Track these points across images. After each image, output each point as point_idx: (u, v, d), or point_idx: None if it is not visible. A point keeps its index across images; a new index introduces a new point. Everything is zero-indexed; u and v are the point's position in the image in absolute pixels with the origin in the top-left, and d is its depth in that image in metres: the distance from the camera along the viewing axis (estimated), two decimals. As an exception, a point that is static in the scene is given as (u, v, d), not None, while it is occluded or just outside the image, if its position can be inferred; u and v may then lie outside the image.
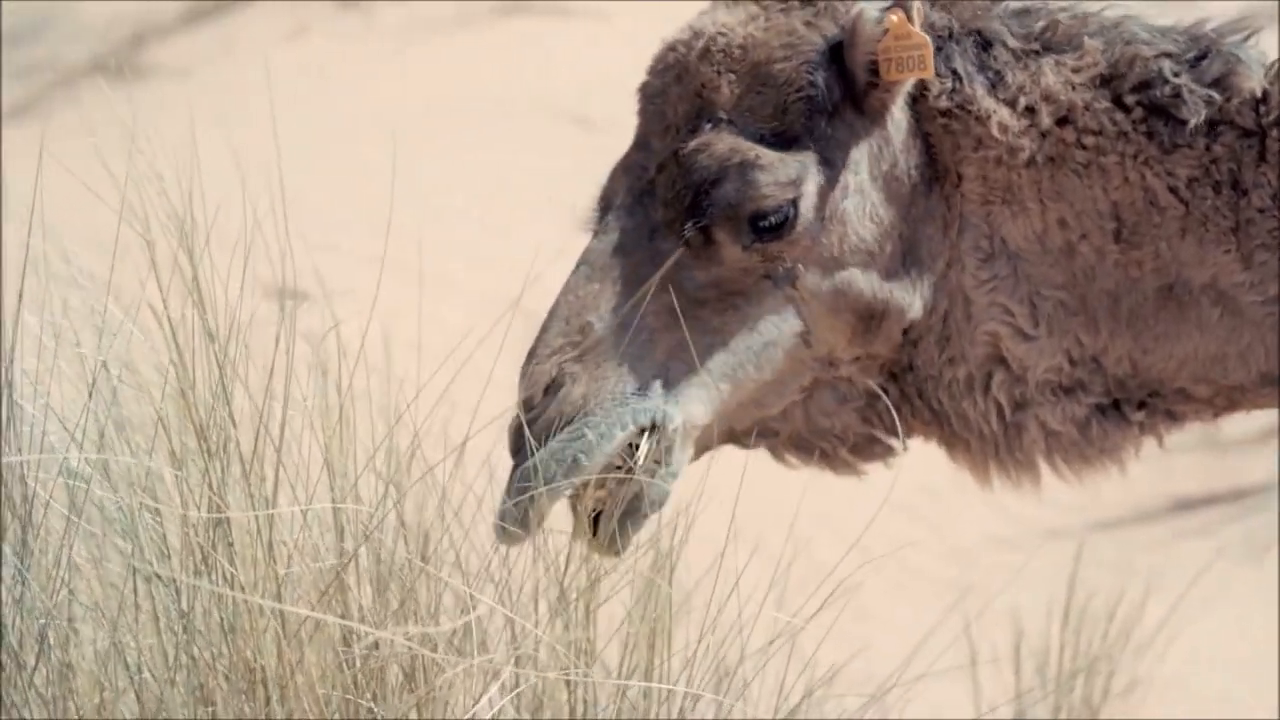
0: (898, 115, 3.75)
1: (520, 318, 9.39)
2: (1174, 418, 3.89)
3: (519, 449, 3.60)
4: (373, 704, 3.48)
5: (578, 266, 3.68)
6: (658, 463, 3.62)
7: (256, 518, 3.45)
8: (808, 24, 3.73)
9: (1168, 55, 3.80)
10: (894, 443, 3.84)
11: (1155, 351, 3.82)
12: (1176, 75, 3.78)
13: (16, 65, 14.23)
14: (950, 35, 3.77)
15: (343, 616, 3.53)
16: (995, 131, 3.75)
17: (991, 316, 3.79)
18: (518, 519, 3.58)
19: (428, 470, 3.65)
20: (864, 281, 3.73)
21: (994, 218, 3.79)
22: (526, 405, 3.62)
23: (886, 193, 3.75)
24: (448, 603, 3.73)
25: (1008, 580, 7.00)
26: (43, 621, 3.61)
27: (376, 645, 3.47)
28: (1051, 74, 3.79)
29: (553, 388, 3.61)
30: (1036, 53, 3.80)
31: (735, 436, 3.83)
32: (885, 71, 3.67)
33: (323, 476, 3.80)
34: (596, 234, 3.73)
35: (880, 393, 3.81)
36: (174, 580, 3.47)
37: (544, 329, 3.66)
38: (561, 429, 3.57)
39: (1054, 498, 8.25)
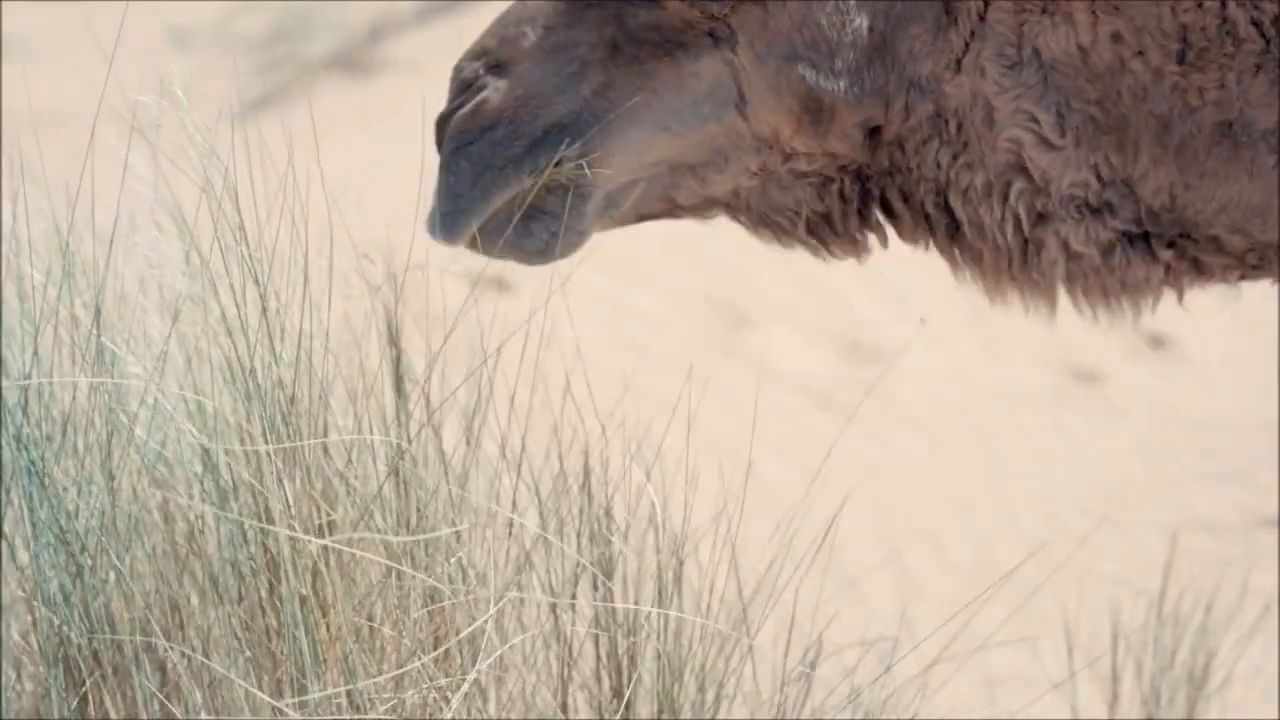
0: None
1: (711, 309, 9.50)
2: (1199, 270, 3.67)
3: (440, 143, 3.55)
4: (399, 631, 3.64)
5: None
6: (572, 196, 3.50)
7: (294, 452, 3.63)
8: None
9: None
10: (853, 228, 3.67)
11: (1198, 189, 3.59)
12: None
13: (261, 62, 14.72)
14: None
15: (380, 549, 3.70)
16: None
17: (1015, 123, 3.58)
18: (447, 231, 3.54)
19: (448, 396, 3.78)
20: (809, 72, 3.53)
21: (1028, 26, 3.56)
22: (449, 98, 3.54)
23: None
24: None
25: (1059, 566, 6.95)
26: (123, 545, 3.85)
27: (397, 575, 3.63)
28: None
29: (472, 91, 3.51)
30: None
31: (678, 209, 3.68)
32: None
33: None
34: None
35: (836, 179, 3.63)
36: (208, 512, 3.67)
37: (486, 30, 3.54)
38: (475, 139, 3.47)
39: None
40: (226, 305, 3.69)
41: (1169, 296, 3.68)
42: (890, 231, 3.72)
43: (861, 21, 3.54)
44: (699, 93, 3.54)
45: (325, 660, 3.70)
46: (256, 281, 3.64)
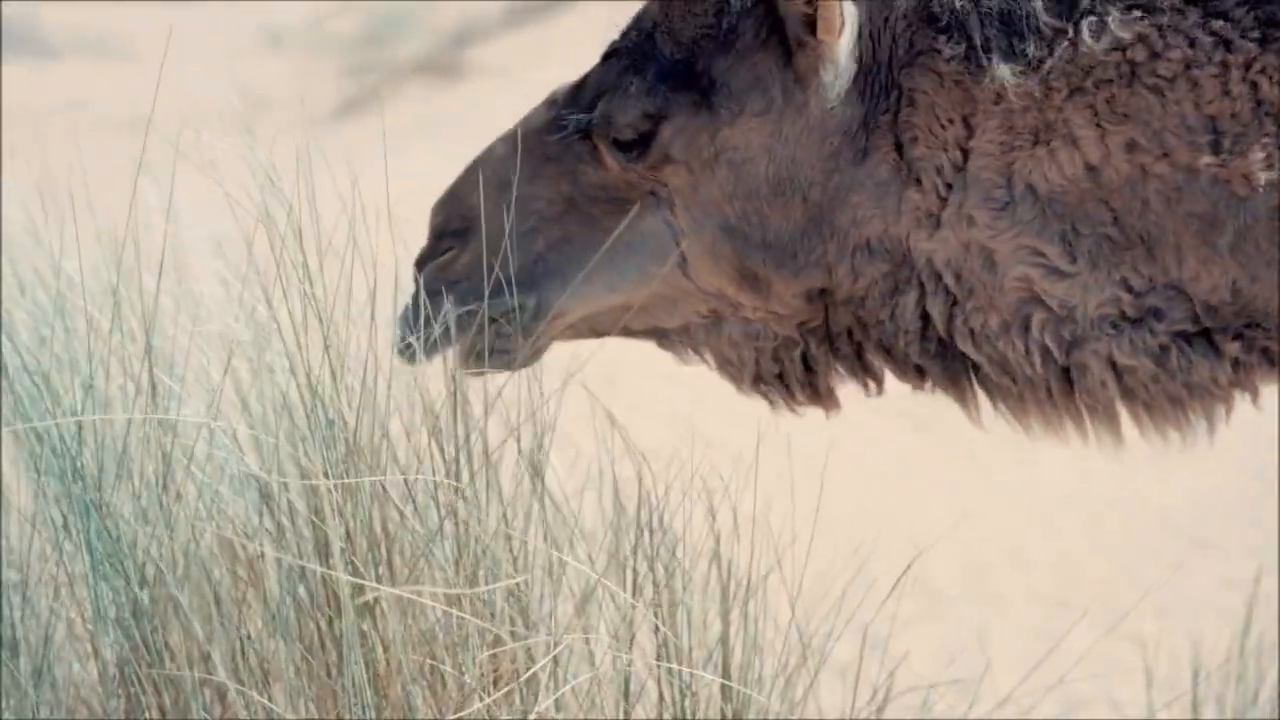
0: (833, 81, 3.48)
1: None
2: (1272, 361, 3.41)
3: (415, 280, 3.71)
4: (460, 670, 3.61)
5: (522, 121, 3.66)
6: (524, 336, 3.63)
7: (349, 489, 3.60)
8: None
9: None
10: (821, 394, 3.66)
11: (1265, 279, 3.36)
12: None
13: (353, 65, 14.77)
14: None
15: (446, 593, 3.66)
16: (1014, 97, 3.42)
17: (1019, 260, 3.45)
18: (406, 354, 3.65)
19: (507, 438, 3.74)
20: (741, 241, 3.55)
21: (1019, 164, 3.44)
22: (428, 241, 3.71)
23: (795, 157, 3.51)
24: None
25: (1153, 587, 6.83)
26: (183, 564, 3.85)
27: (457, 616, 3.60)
28: (1097, 29, 3.38)
29: (443, 242, 3.68)
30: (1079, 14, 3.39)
31: (632, 333, 3.74)
32: (820, 30, 3.44)
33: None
34: (546, 101, 3.68)
35: (799, 341, 3.63)
36: (267, 549, 3.65)
37: (461, 175, 3.68)
38: (442, 289, 3.62)
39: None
40: (289, 341, 3.66)
41: (1242, 400, 3.47)
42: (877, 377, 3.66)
43: (793, 195, 3.53)
44: (644, 251, 3.60)
45: (386, 697, 3.67)
46: (320, 320, 3.61)
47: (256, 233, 3.69)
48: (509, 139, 3.64)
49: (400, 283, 3.94)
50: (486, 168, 3.64)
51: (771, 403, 3.70)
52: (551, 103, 3.66)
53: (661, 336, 3.72)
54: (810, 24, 3.45)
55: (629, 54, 3.58)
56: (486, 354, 3.64)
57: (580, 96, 3.62)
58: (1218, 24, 3.35)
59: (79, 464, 3.78)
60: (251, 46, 16.22)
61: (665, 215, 3.58)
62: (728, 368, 3.69)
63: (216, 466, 3.84)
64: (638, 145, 3.55)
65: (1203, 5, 3.38)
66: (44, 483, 3.86)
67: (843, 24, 3.43)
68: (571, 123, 3.59)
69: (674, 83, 3.52)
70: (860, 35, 3.47)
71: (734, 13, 3.51)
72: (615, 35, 3.65)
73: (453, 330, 3.60)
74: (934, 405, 3.97)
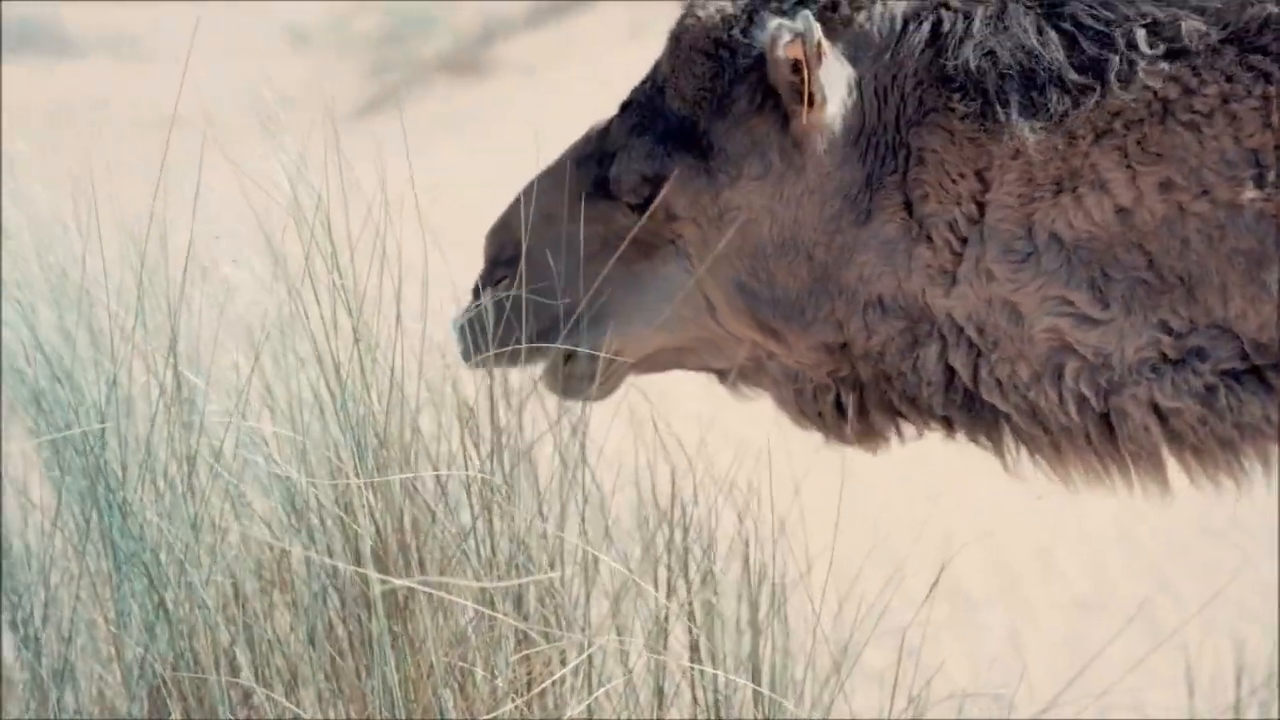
0: (827, 148, 3.45)
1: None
2: None
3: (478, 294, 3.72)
4: (493, 674, 3.54)
5: (566, 152, 3.65)
6: (582, 378, 3.64)
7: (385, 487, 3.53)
8: (745, 30, 3.50)
9: None
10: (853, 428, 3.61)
11: None
12: None
13: (377, 63, 14.75)
14: (986, 55, 3.37)
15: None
16: (1034, 151, 3.35)
17: (1046, 311, 3.36)
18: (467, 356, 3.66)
19: (541, 435, 3.67)
20: (751, 297, 3.53)
21: (1040, 214, 3.36)
22: (485, 265, 3.70)
23: (797, 218, 3.49)
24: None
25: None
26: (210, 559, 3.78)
27: (483, 615, 3.53)
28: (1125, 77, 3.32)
29: (498, 270, 3.66)
30: (1098, 68, 3.33)
31: (689, 368, 3.74)
32: (805, 99, 3.42)
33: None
34: (585, 135, 3.66)
35: (831, 387, 3.59)
36: (296, 549, 3.58)
37: (512, 205, 3.67)
38: (494, 314, 3.60)
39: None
40: (318, 335, 3.59)
41: None
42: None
43: (798, 254, 3.50)
44: (672, 296, 3.59)
45: (416, 699, 3.60)
46: (349, 311, 3.54)
47: (285, 225, 3.62)
48: (556, 170, 3.65)
49: (428, 278, 3.88)
50: (533, 199, 3.63)
51: (823, 436, 3.66)
52: (588, 138, 3.66)
53: (720, 375, 3.70)
54: (801, 93, 3.42)
55: (639, 109, 3.59)
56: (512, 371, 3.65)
57: (605, 145, 3.62)
58: (1256, 58, 3.29)
59: (102, 461, 3.72)
60: (275, 46, 16.22)
61: (685, 265, 3.58)
62: (777, 404, 3.68)
63: (242, 463, 3.77)
64: (643, 205, 3.55)
65: (1239, 43, 3.30)
66: (66, 480, 3.80)
67: (824, 98, 3.41)
68: (590, 179, 3.61)
69: (675, 143, 3.53)
70: (862, 97, 3.44)
71: (729, 78, 3.50)
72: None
73: (492, 335, 3.59)
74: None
